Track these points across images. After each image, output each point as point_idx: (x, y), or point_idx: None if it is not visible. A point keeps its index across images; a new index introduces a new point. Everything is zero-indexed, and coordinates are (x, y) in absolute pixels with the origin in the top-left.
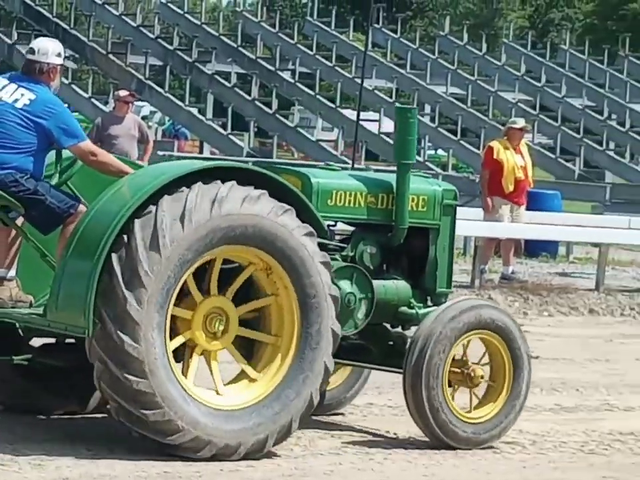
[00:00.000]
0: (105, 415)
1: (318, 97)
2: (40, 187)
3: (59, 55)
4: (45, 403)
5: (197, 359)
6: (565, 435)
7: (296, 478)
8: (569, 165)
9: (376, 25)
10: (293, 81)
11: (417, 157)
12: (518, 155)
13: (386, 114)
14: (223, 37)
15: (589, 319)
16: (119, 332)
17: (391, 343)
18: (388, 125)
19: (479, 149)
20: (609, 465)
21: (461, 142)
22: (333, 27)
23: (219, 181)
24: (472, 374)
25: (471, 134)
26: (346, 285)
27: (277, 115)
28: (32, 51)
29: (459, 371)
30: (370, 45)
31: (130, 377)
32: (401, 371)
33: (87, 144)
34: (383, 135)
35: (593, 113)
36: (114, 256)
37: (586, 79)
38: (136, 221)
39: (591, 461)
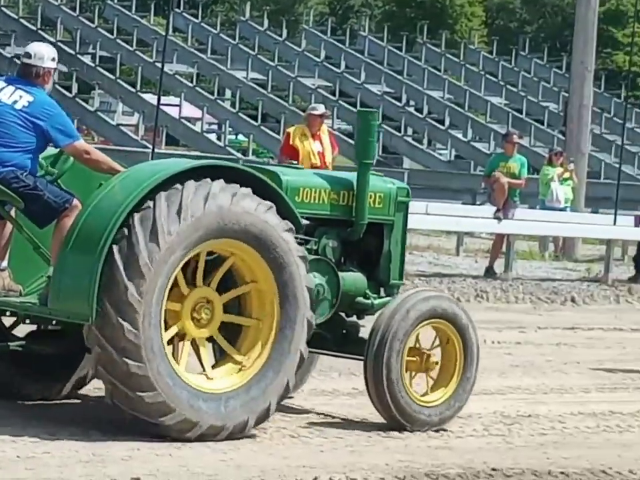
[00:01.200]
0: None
1: (118, 81)
2: (38, 183)
3: (53, 59)
4: (22, 388)
5: (188, 346)
6: (361, 418)
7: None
8: None
9: (177, 10)
10: (93, 64)
11: (218, 142)
12: (317, 141)
13: (186, 98)
14: (22, 20)
15: None
16: (120, 320)
17: (345, 331)
18: (188, 110)
19: (279, 134)
20: (405, 449)
21: (262, 127)
22: (133, 11)
23: (208, 179)
24: (427, 360)
25: (271, 119)
26: (316, 277)
27: (77, 99)
28: (28, 56)
29: (415, 358)
30: (171, 30)
31: (129, 362)
32: (356, 357)
33: (82, 143)
34: (183, 120)
35: (391, 100)
36: (115, 248)
37: (385, 66)
38: (135, 215)
39: (388, 444)
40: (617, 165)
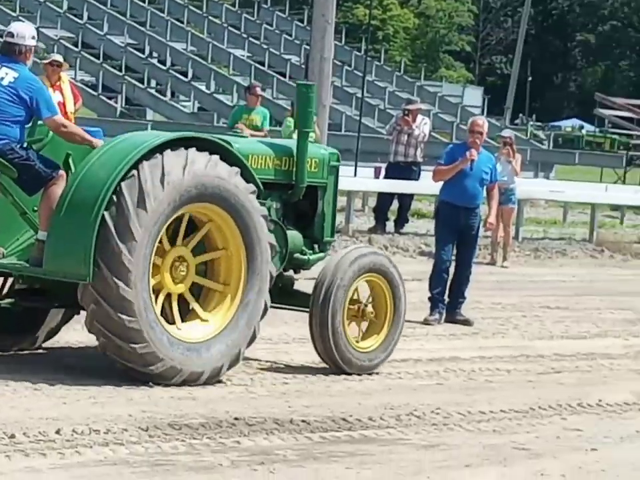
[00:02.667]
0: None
1: None
2: (30, 154)
3: (33, 37)
4: (2, 341)
5: (161, 299)
6: (105, 370)
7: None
8: (110, 102)
9: None
10: None
11: None
12: (57, 91)
13: None
14: None
15: None
16: (114, 278)
17: (282, 284)
18: None
19: None
20: (148, 399)
21: None
22: None
23: (182, 148)
24: (364, 311)
25: None
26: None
27: None
28: (11, 35)
29: (353, 308)
30: None
31: (123, 317)
32: (295, 308)
33: (60, 117)
34: None
35: (134, 51)
36: (106, 214)
37: (128, 17)
38: (122, 183)
39: (131, 395)
40: (358, 118)
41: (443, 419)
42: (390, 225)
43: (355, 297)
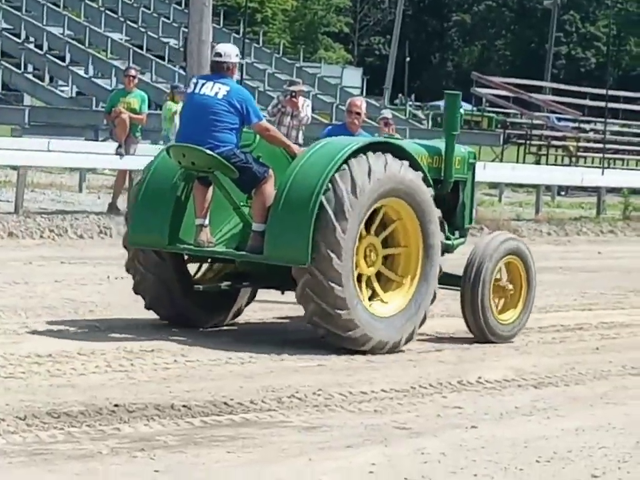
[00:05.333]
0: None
1: None
2: (248, 157)
3: (237, 55)
4: (197, 318)
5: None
6: None
7: None
8: None
9: None
10: None
11: None
12: None
13: None
14: None
15: (9, 242)
16: (329, 252)
17: None
18: None
19: None
20: (26, 388)
21: None
22: None
23: (380, 152)
24: (505, 289)
25: None
26: None
27: None
28: (219, 55)
29: (497, 285)
30: None
31: (334, 285)
32: (445, 287)
33: (265, 122)
34: None
35: (10, 36)
36: (323, 198)
37: (3, 2)
38: (336, 175)
39: (8, 384)
40: None
41: (324, 400)
42: None
43: (498, 276)
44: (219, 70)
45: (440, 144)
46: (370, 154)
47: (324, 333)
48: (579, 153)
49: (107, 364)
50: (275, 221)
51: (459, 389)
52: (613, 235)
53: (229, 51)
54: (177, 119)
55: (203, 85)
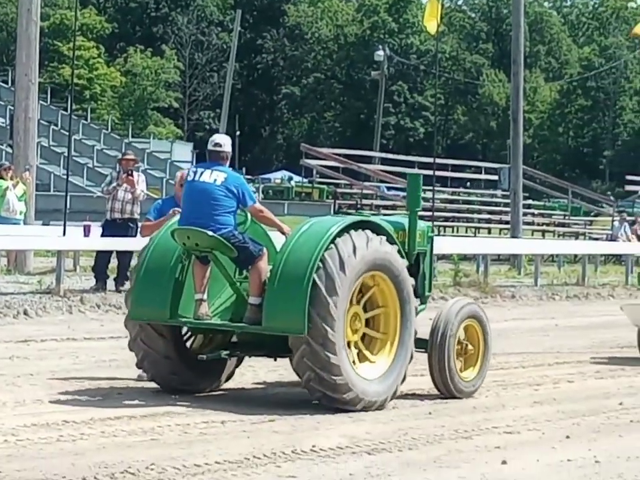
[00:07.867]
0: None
1: None
2: (245, 237)
3: (230, 144)
4: (195, 385)
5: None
6: None
7: None
8: None
9: None
10: None
11: None
12: None
13: None
14: None
15: None
16: (324, 325)
17: None
18: None
19: None
20: None
21: None
22: None
23: (360, 230)
24: (465, 348)
25: None
26: None
27: None
28: (218, 145)
29: (458, 347)
30: None
31: (329, 354)
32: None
33: (258, 204)
34: None
35: None
36: (315, 276)
37: None
38: (325, 253)
39: None
40: (65, 177)
41: (157, 475)
42: (110, 283)
43: (459, 339)
44: (217, 159)
45: (403, 220)
46: (352, 232)
47: (319, 396)
48: None
49: None
50: (273, 295)
51: (293, 458)
52: (444, 301)
53: (227, 142)
54: (8, 194)
55: (202, 173)
